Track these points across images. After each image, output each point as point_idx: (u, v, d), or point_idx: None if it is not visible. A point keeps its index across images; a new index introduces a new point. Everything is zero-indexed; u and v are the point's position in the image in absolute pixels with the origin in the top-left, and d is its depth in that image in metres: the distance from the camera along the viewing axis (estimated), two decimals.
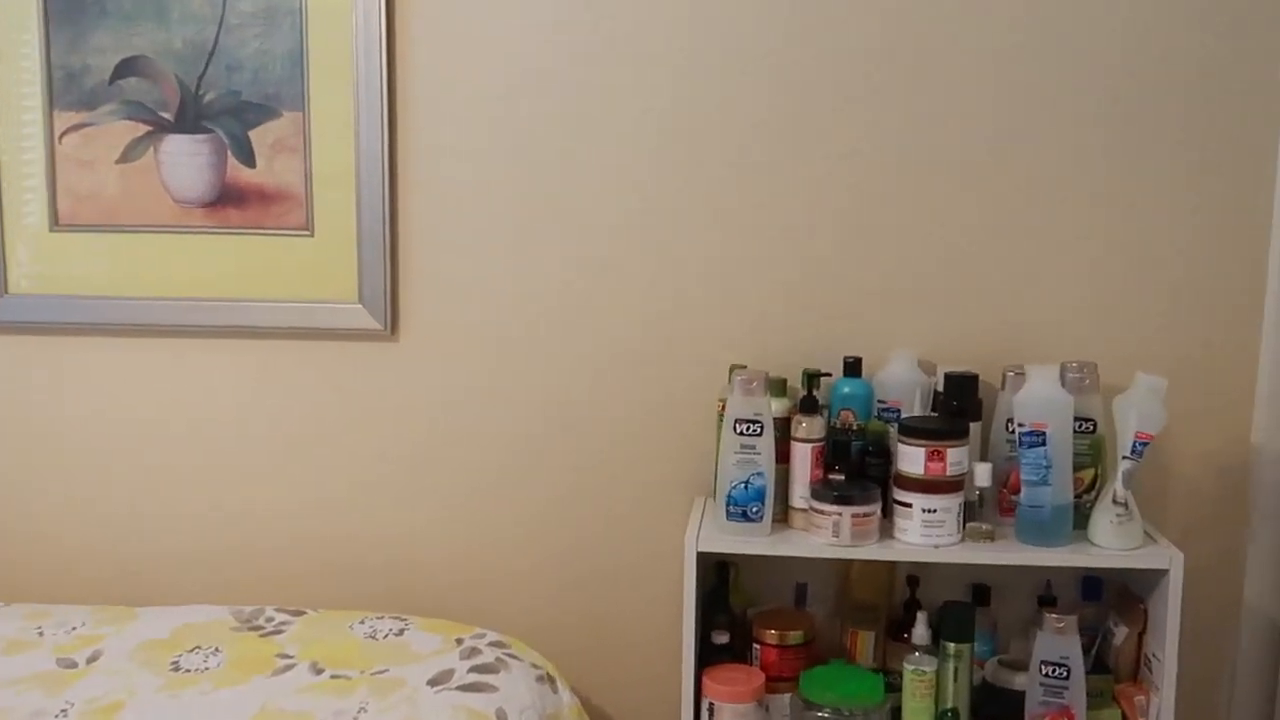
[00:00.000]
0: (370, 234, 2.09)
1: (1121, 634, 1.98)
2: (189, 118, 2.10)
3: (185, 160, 2.10)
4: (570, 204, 2.12)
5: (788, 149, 2.08)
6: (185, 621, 2.03)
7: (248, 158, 2.10)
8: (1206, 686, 2.14)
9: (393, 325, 2.14)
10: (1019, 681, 1.94)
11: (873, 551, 1.89)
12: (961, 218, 2.08)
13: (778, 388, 2.02)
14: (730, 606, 2.06)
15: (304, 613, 2.09)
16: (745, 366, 2.04)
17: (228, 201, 2.11)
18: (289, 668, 1.89)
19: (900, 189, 2.07)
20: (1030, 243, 2.07)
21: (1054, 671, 1.87)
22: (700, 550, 1.89)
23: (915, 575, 2.07)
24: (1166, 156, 2.04)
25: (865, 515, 1.88)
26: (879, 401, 2.03)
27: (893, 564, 2.09)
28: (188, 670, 1.88)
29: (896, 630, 2.05)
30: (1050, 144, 2.05)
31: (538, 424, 2.17)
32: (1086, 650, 2.01)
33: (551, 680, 1.99)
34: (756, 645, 2.00)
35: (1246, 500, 2.10)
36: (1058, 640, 1.88)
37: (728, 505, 1.91)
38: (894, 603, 2.10)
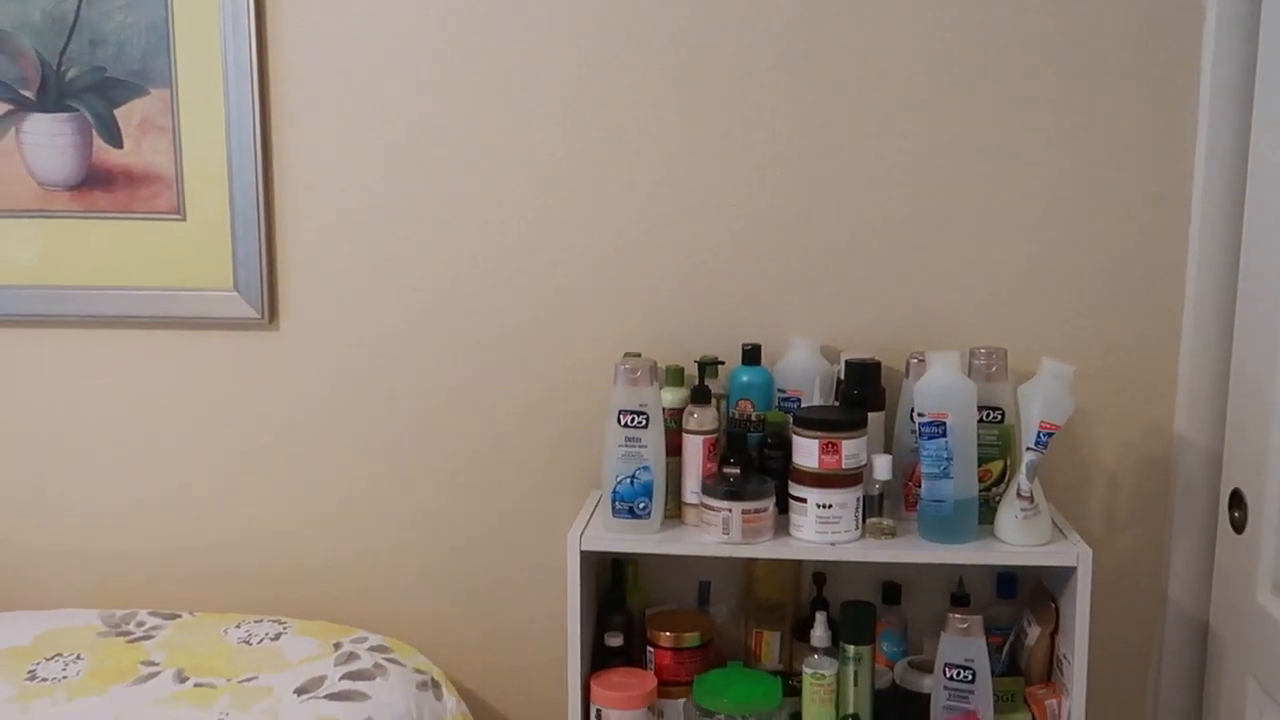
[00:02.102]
0: (244, 218, 2.00)
1: (1034, 633, 1.89)
2: (51, 96, 1.99)
3: (48, 141, 2.00)
4: (456, 189, 2.02)
5: (684, 134, 1.98)
6: (51, 626, 1.94)
7: (114, 138, 1.99)
8: (1129, 686, 2.06)
9: (270, 314, 2.04)
10: (927, 684, 1.85)
11: (766, 549, 1.80)
12: (867, 201, 1.98)
13: (674, 377, 1.93)
14: (628, 606, 1.97)
15: (179, 616, 2.00)
16: (639, 355, 1.94)
17: (94, 184, 2.01)
18: (152, 676, 1.80)
19: (803, 172, 1.98)
20: (940, 226, 1.98)
21: (959, 674, 1.78)
22: (585, 549, 1.80)
23: (822, 573, 1.98)
24: (1082, 136, 1.94)
25: (757, 511, 1.78)
26: (779, 391, 1.93)
27: (798, 562, 2.00)
28: (44, 679, 1.79)
29: (803, 630, 1.96)
30: (959, 127, 1.95)
31: (424, 417, 2.07)
32: (999, 650, 1.93)
33: (436, 686, 1.90)
34: (651, 648, 1.91)
35: (1169, 492, 2.02)
36: (962, 641, 1.79)
37: (614, 501, 1.81)
38: (800, 601, 2.01)
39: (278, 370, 2.07)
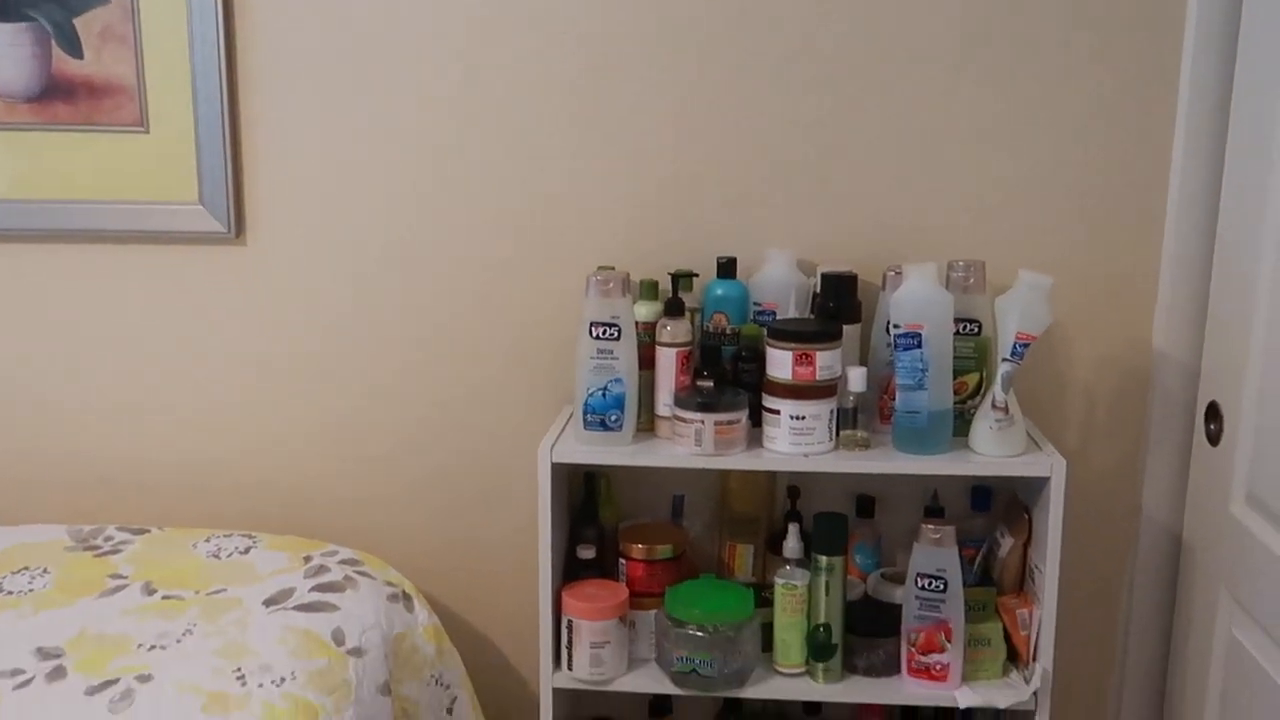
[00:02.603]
0: (209, 130, 1.96)
1: (1007, 545, 1.89)
2: (8, 4, 1.94)
3: (6, 51, 1.95)
4: (428, 98, 1.97)
5: (656, 45, 1.93)
6: (18, 541, 1.93)
7: (74, 48, 1.95)
8: (1103, 599, 2.06)
9: (237, 228, 2.01)
10: (899, 595, 1.85)
11: (738, 461, 1.79)
12: (846, 112, 1.94)
13: (649, 290, 1.90)
14: (600, 521, 1.97)
15: (147, 531, 1.99)
16: (612, 268, 1.91)
17: (55, 96, 1.97)
18: (119, 589, 1.79)
19: (781, 84, 1.94)
20: (919, 138, 1.94)
21: (930, 584, 1.78)
22: (556, 461, 1.79)
23: (796, 486, 1.98)
24: (1064, 49, 1.90)
25: (730, 423, 1.77)
26: (754, 304, 1.91)
27: (772, 475, 1.99)
28: (10, 592, 1.78)
29: (776, 544, 1.95)
30: (939, 35, 1.91)
31: (394, 332, 2.05)
32: (972, 562, 1.93)
33: (407, 598, 1.89)
34: (623, 560, 1.90)
35: (1146, 406, 2.00)
36: (935, 552, 1.78)
37: (585, 414, 1.80)
38: (774, 515, 2.01)
39: (245, 286, 2.04)
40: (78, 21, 1.94)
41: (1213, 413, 1.86)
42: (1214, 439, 1.85)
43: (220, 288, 2.04)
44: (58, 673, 1.57)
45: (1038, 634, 1.79)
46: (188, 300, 2.05)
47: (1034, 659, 1.79)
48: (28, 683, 1.55)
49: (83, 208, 2.00)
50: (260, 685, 1.55)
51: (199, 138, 1.96)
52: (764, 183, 1.97)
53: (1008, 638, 1.83)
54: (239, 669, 1.58)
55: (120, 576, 1.82)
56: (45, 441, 2.11)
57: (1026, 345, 1.76)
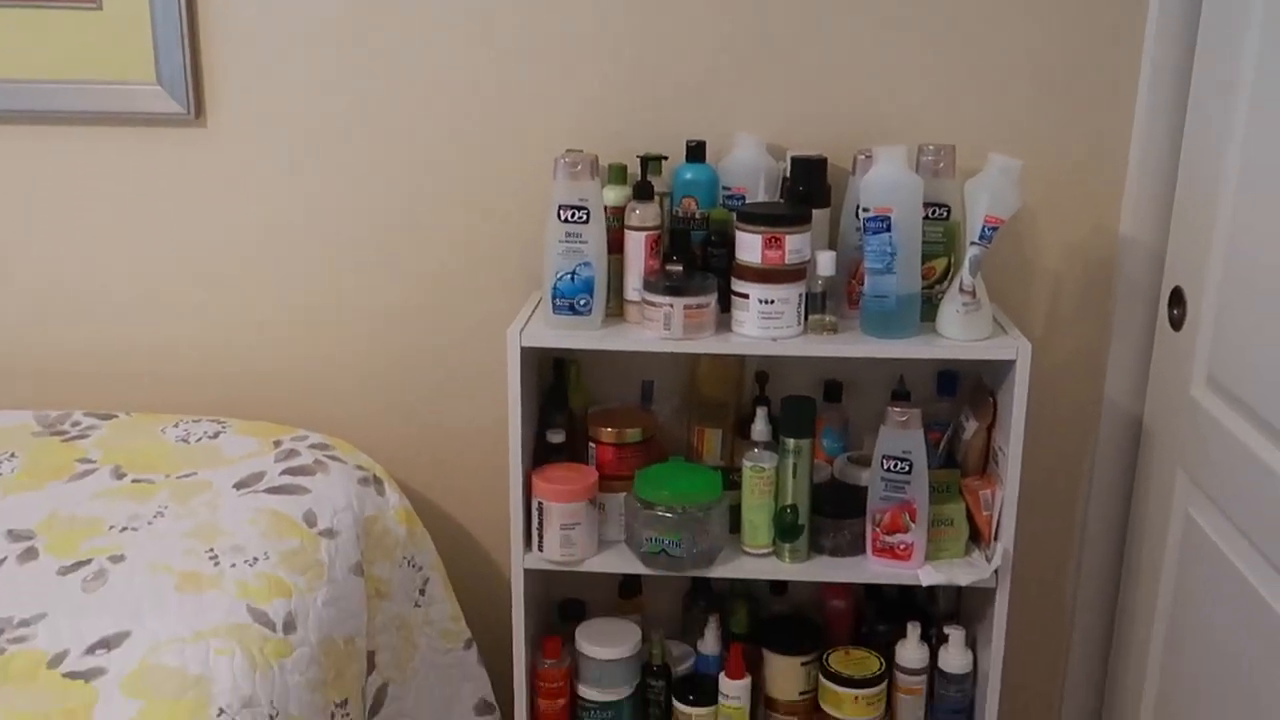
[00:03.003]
0: (164, 4, 1.89)
1: (971, 428, 1.91)
2: None
3: None
4: None
5: None
6: None
7: None
8: (1064, 481, 2.11)
9: (197, 109, 1.96)
10: (865, 477, 1.88)
11: (707, 345, 1.79)
12: None
13: (617, 174, 1.88)
14: (570, 407, 1.97)
15: (114, 416, 1.98)
16: (580, 151, 1.89)
17: None
18: (89, 473, 1.79)
19: None
20: (890, 20, 1.91)
21: (896, 466, 1.81)
22: (525, 345, 1.79)
23: (764, 371, 1.99)
24: None
25: (699, 307, 1.77)
26: (724, 188, 1.90)
27: (741, 360, 2.00)
28: None
29: (745, 428, 1.97)
30: None
31: (360, 217, 2.02)
32: (937, 446, 1.95)
33: (378, 482, 1.90)
34: (593, 444, 1.92)
35: (1110, 293, 2.02)
36: (900, 434, 1.81)
37: (554, 298, 1.79)
38: (742, 400, 2.02)
39: (207, 169, 2.00)
40: None
41: (1176, 298, 1.88)
42: (1177, 324, 1.88)
43: (181, 171, 2.00)
44: (29, 554, 1.57)
45: (1000, 514, 1.83)
46: (148, 184, 2.01)
47: (995, 538, 1.83)
48: None
49: (35, 88, 1.94)
50: (233, 565, 1.57)
51: (154, 14, 1.90)
52: (733, 64, 1.94)
53: (970, 518, 1.87)
54: (211, 550, 1.59)
55: (89, 461, 1.82)
56: (4, 327, 2.08)
57: (995, 229, 1.76)
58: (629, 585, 2.08)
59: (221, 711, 1.33)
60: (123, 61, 1.92)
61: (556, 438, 1.91)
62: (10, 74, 1.94)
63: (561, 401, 1.96)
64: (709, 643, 2.01)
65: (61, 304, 2.07)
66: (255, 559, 1.58)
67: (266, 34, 1.94)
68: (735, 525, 1.88)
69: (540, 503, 1.83)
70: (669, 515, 1.80)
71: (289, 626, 1.50)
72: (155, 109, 1.94)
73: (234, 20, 1.93)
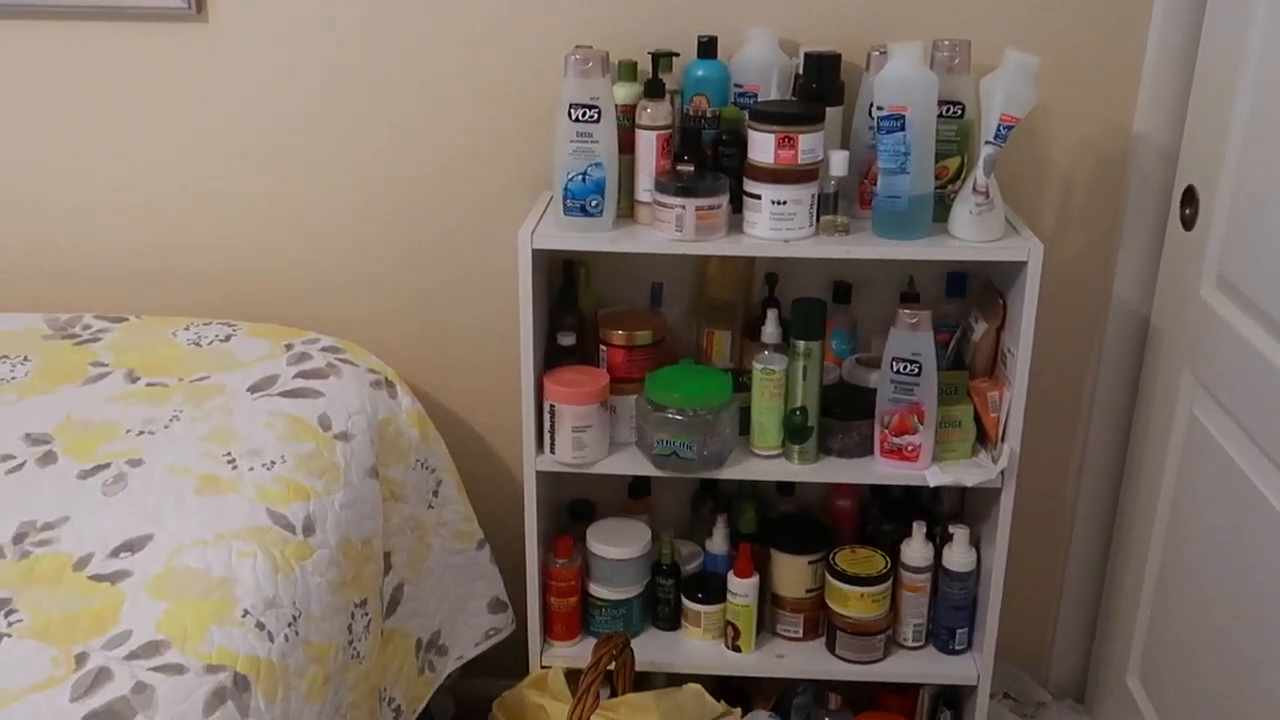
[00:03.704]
0: None
1: (980, 329, 1.92)
2: None
3: None
4: None
5: None
6: None
7: None
8: (1070, 380, 2.12)
9: (198, 4, 1.91)
10: (873, 379, 1.89)
11: (719, 246, 1.79)
12: None
13: (627, 72, 1.85)
14: (580, 308, 1.97)
15: (125, 319, 1.97)
16: (590, 48, 1.85)
17: None
18: (102, 376, 1.79)
19: None
20: None
21: (905, 368, 1.81)
22: (536, 247, 1.78)
23: (774, 273, 1.98)
24: None
25: (711, 208, 1.76)
26: (735, 86, 1.87)
27: (751, 261, 1.99)
28: None
29: (754, 330, 1.96)
30: None
31: (366, 115, 1.99)
32: (946, 347, 1.96)
33: (390, 385, 1.91)
34: (603, 346, 1.92)
35: (1122, 191, 2.01)
36: (910, 337, 1.81)
37: (565, 199, 1.77)
38: (752, 302, 2.02)
39: (210, 66, 1.96)
40: None
41: (1189, 197, 1.87)
42: (1188, 223, 1.87)
43: (183, 68, 1.96)
44: (48, 457, 1.58)
45: (1007, 415, 1.84)
46: (149, 81, 1.97)
47: (1002, 440, 1.85)
48: (19, 467, 1.56)
49: None
50: (251, 469, 1.58)
51: None
52: None
53: (978, 419, 1.88)
54: (228, 453, 1.60)
55: (101, 364, 1.82)
56: (8, 228, 2.06)
57: (1011, 127, 1.74)
58: (638, 486, 2.10)
59: (246, 613, 1.35)
60: None
61: (567, 340, 1.91)
62: None
63: (571, 303, 1.96)
64: (717, 542, 2.04)
65: (63, 204, 2.05)
66: (272, 462, 1.60)
67: None
68: (745, 427, 1.89)
69: (552, 405, 1.84)
70: (679, 417, 1.82)
71: (308, 529, 1.52)
72: (155, 3, 1.90)
73: None
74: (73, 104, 1.99)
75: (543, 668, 1.98)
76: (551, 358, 1.92)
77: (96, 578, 1.37)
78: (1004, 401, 1.85)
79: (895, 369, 1.82)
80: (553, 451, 1.86)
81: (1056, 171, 2.00)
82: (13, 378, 1.78)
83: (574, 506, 2.11)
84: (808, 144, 1.74)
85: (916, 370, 1.81)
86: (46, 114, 2.00)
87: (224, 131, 2.00)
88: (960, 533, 1.95)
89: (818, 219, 1.79)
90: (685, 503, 2.14)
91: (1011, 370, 1.83)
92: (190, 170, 2.03)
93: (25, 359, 1.82)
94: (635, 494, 2.10)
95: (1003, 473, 1.85)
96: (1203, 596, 1.79)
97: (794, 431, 1.86)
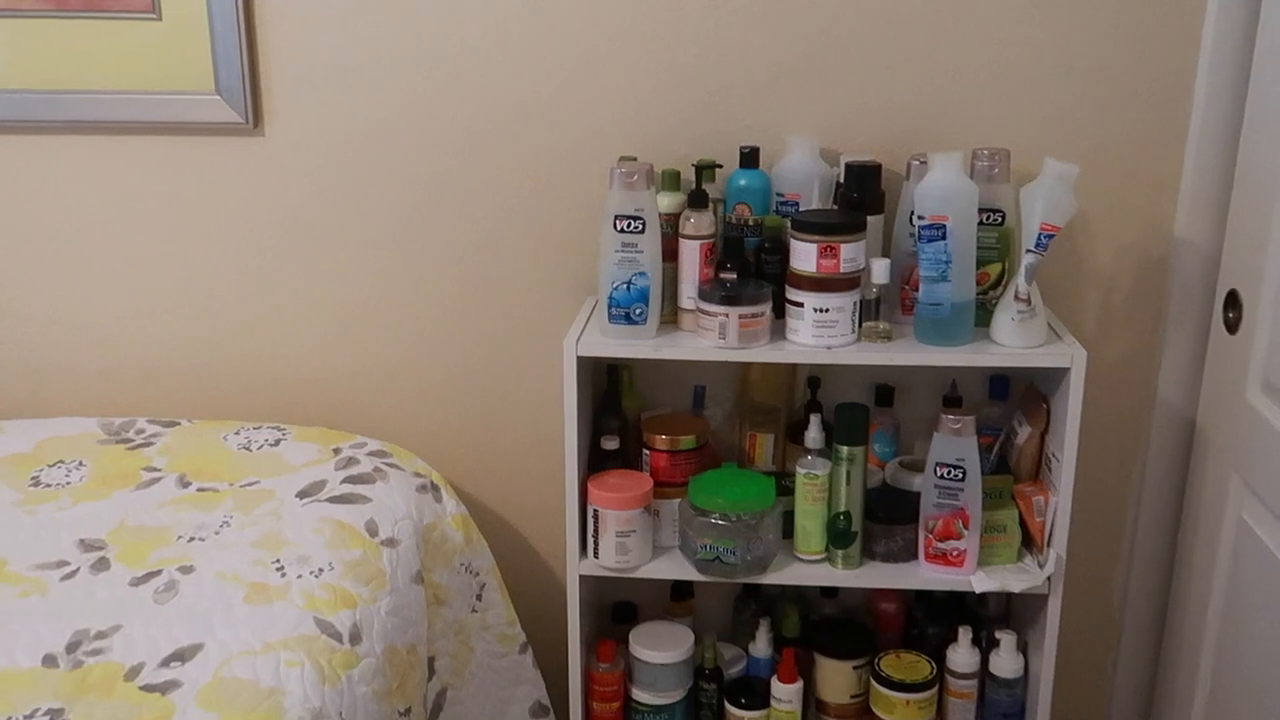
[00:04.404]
0: (222, 15, 1.91)
1: (1024, 433, 1.92)
2: None
3: None
4: None
5: None
6: (51, 434, 1.96)
7: None
8: (1115, 483, 2.11)
9: (255, 118, 1.98)
10: (917, 483, 1.89)
11: (762, 353, 1.80)
12: None
13: (670, 181, 1.89)
14: (623, 411, 1.99)
15: (177, 423, 2.01)
16: (634, 159, 1.89)
17: None
18: (155, 481, 1.83)
19: None
20: (942, 21, 1.90)
21: (949, 473, 1.81)
22: (581, 354, 1.80)
23: (816, 376, 1.99)
24: None
25: (754, 316, 1.78)
26: (777, 194, 1.90)
27: (793, 365, 2.01)
28: (48, 485, 1.81)
29: (796, 433, 1.98)
30: None
31: (416, 225, 2.04)
32: (989, 450, 1.96)
33: (435, 489, 1.93)
34: (647, 450, 1.93)
35: (1164, 294, 2.01)
36: (954, 441, 1.81)
37: (610, 307, 1.80)
38: (794, 405, 2.03)
39: (265, 177, 2.02)
40: None
41: (1232, 301, 1.87)
42: (1232, 327, 1.87)
43: (239, 179, 2.03)
44: (101, 564, 1.61)
45: (1053, 520, 1.83)
46: (207, 192, 2.04)
47: (1048, 545, 1.83)
48: (73, 574, 1.59)
49: (97, 98, 1.97)
50: (299, 576, 1.60)
51: (213, 24, 1.92)
52: (786, 68, 1.93)
53: (1023, 524, 1.87)
54: (278, 560, 1.62)
55: (154, 469, 1.85)
56: (66, 334, 2.12)
57: (1051, 236, 1.76)
58: (681, 588, 2.10)
59: None
60: (182, 71, 1.95)
61: (611, 444, 1.93)
62: (71, 84, 1.97)
63: (615, 406, 1.98)
64: (760, 646, 2.03)
65: (122, 310, 2.11)
66: (320, 570, 1.61)
67: (322, 44, 1.96)
68: (788, 530, 1.89)
69: (596, 510, 1.85)
70: (723, 523, 1.82)
71: (355, 637, 1.53)
72: (214, 118, 1.97)
73: (290, 30, 1.95)
74: (132, 212, 2.06)
75: None
76: (595, 461, 1.93)
77: (148, 688, 1.38)
78: (1049, 506, 1.84)
79: (939, 474, 1.82)
80: (596, 556, 1.87)
81: (1098, 275, 2.01)
82: (68, 482, 1.81)
83: (617, 609, 2.11)
84: (849, 253, 1.76)
85: (960, 475, 1.81)
86: (106, 222, 2.06)
87: (277, 240, 2.06)
88: (1007, 638, 1.93)
89: (860, 325, 1.81)
90: (728, 605, 2.14)
91: (1056, 475, 1.83)
92: (244, 277, 2.08)
93: (80, 463, 1.86)
94: (678, 596, 2.10)
95: (1049, 579, 1.83)
96: (1257, 703, 1.76)
97: (838, 536, 1.86)
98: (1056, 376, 1.82)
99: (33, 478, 1.82)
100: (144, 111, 1.97)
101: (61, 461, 1.86)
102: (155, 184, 2.04)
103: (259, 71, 1.96)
